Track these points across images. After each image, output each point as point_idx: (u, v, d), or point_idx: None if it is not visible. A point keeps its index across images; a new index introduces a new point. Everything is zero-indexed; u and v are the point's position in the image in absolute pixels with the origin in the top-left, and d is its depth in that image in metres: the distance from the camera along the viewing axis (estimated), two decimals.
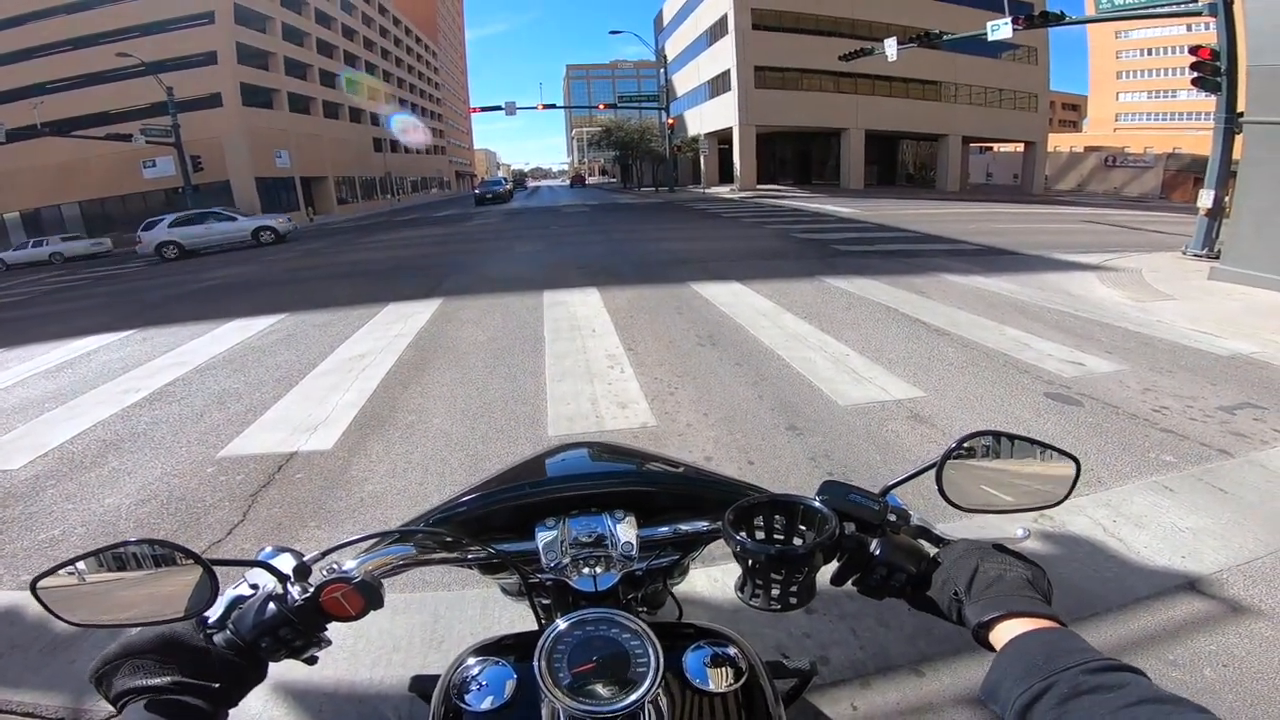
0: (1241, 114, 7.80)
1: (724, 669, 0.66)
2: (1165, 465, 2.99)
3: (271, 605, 0.62)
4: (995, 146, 42.03)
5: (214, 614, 0.63)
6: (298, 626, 0.62)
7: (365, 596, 0.64)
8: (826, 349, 4.84)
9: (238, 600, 0.65)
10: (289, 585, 0.63)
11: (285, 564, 0.64)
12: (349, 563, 0.68)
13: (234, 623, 0.62)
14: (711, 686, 0.65)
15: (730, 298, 6.74)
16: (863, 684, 1.77)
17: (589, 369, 4.57)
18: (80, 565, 0.59)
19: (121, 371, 5.33)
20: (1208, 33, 9.75)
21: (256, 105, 33.78)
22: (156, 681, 0.55)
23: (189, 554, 0.59)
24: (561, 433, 3.55)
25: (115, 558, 0.60)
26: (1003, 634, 0.55)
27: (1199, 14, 9.72)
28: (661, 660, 0.59)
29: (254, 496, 3.00)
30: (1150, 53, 62.10)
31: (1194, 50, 9.27)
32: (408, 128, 51.48)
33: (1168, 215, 18.02)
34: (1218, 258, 7.94)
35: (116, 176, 30.32)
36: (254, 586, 0.66)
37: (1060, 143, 44.96)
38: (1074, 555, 2.32)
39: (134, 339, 6.66)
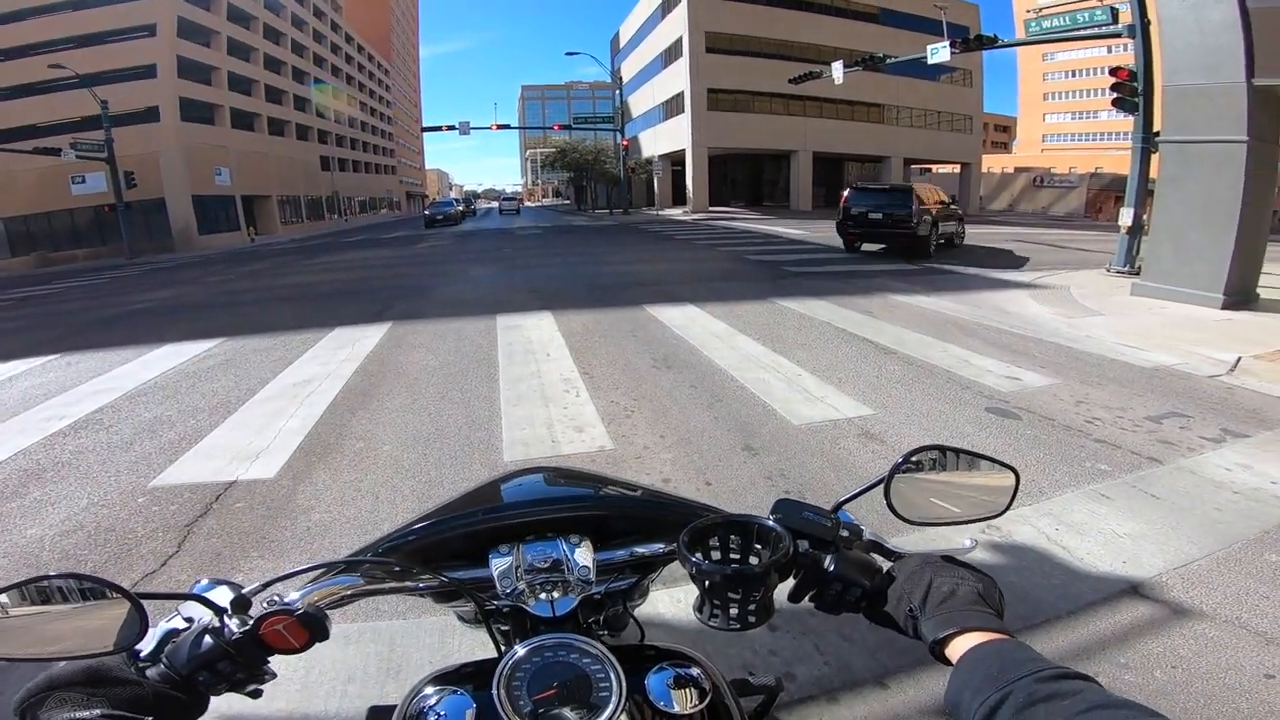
0: (1158, 134, 8.15)
1: (688, 690, 0.66)
2: (1101, 474, 3.14)
3: (208, 638, 0.60)
4: (934, 167, 43.81)
5: (146, 647, 0.60)
6: (237, 660, 0.60)
7: (309, 629, 0.62)
8: (780, 369, 4.92)
9: (171, 633, 0.62)
10: (226, 618, 0.60)
11: (222, 597, 0.62)
12: (292, 594, 0.66)
13: (168, 656, 0.60)
14: (676, 708, 0.64)
15: (685, 320, 6.80)
16: (829, 699, 1.78)
17: (544, 393, 4.51)
18: (2, 598, 0.56)
19: (44, 398, 4.99)
20: (1127, 54, 10.17)
21: (197, 121, 32.57)
22: (83, 714, 0.53)
23: (115, 588, 0.57)
24: (517, 457, 3.49)
25: (39, 590, 0.57)
26: (958, 647, 0.57)
27: (1119, 35, 10.17)
28: (624, 684, 0.59)
29: (190, 527, 2.86)
30: (1074, 74, 65.02)
31: (1114, 71, 9.74)
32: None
33: (1092, 233, 19.17)
34: (1138, 274, 8.39)
35: (43, 192, 28.61)
36: (188, 620, 0.63)
37: (992, 163, 47.29)
38: (1023, 564, 2.41)
39: (57, 364, 6.24)
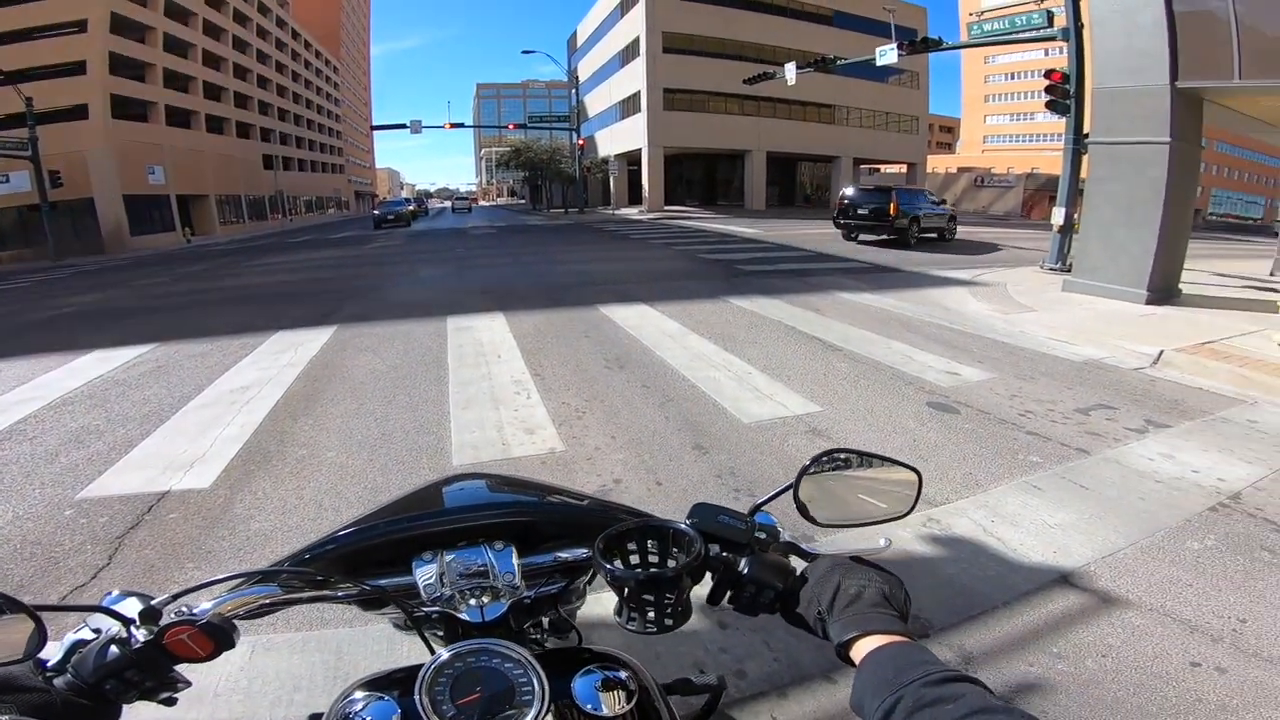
0: (1088, 135, 8.51)
1: (615, 692, 0.67)
2: (1033, 466, 3.28)
3: (113, 648, 0.61)
4: (882, 167, 44.93)
5: (53, 657, 0.62)
6: (144, 668, 0.61)
7: (214, 638, 0.63)
8: (730, 368, 4.97)
9: (79, 644, 0.63)
10: (133, 629, 0.62)
11: (130, 608, 0.63)
12: (205, 604, 0.66)
13: (74, 666, 0.61)
14: (604, 710, 0.65)
15: (638, 320, 6.81)
16: (780, 695, 1.80)
17: (494, 396, 4.45)
18: None
19: None
20: (1062, 58, 10.55)
21: (129, 118, 30.83)
22: None
23: (12, 602, 0.58)
24: (466, 461, 3.43)
25: None
26: (862, 649, 0.59)
27: (1054, 38, 10.57)
28: (547, 688, 0.60)
29: (121, 539, 2.74)
30: (1013, 76, 66.74)
31: (1048, 74, 10.11)
32: None
33: (1027, 232, 20.04)
34: (1069, 271, 8.78)
35: None
36: (96, 630, 0.64)
37: (937, 164, 48.85)
38: (959, 556, 2.48)
39: None
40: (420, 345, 6.05)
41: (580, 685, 0.66)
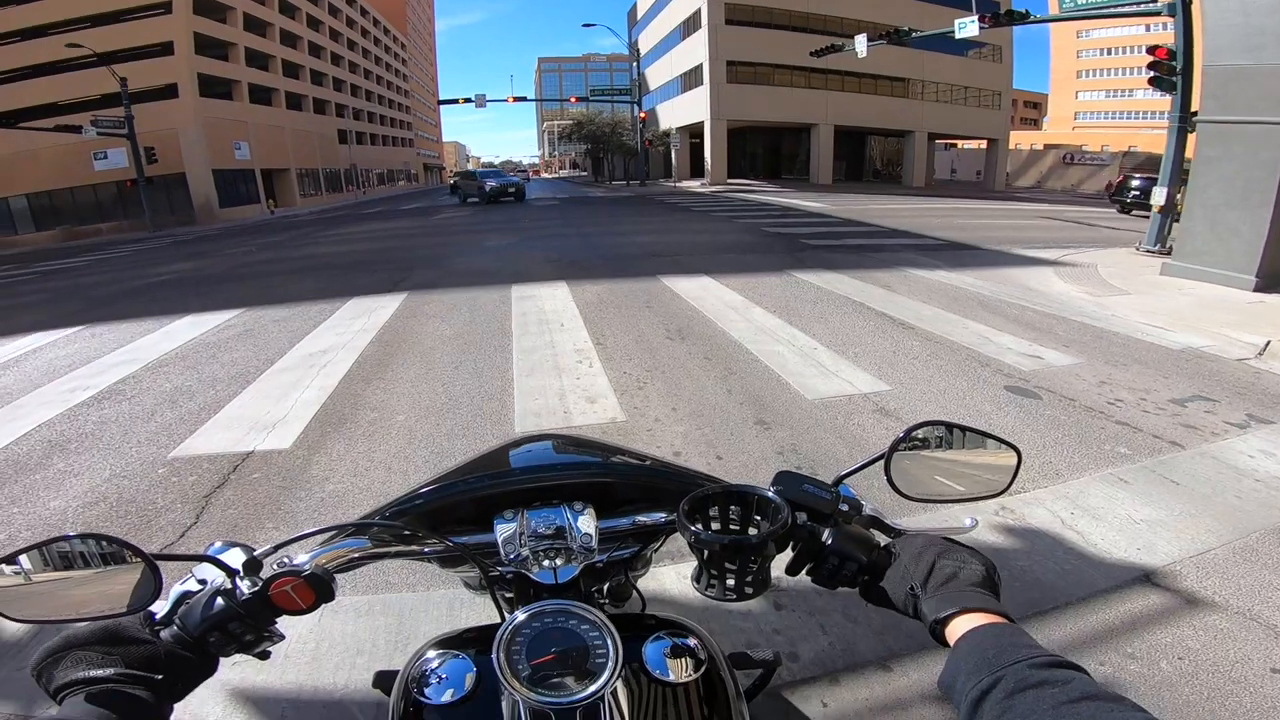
0: (1195, 113, 7.94)
1: (684, 660, 0.67)
2: (1120, 457, 3.07)
3: (219, 600, 0.61)
4: (959, 143, 42.89)
5: (161, 609, 0.62)
6: (246, 620, 0.62)
7: (316, 589, 0.63)
8: (795, 343, 4.86)
9: (185, 595, 0.64)
10: (238, 580, 0.62)
11: (234, 558, 0.63)
12: (302, 556, 0.67)
13: (181, 618, 0.61)
14: (671, 677, 0.65)
15: (700, 291, 6.73)
16: (832, 680, 1.77)
17: (557, 364, 4.51)
18: (24, 560, 0.58)
19: (67, 370, 5.08)
20: (1166, 33, 9.93)
21: (215, 96, 32.53)
22: (98, 673, 0.54)
23: (132, 548, 0.58)
24: (529, 428, 3.50)
25: (60, 554, 0.59)
26: (957, 629, 0.57)
27: (1158, 14, 9.92)
28: (621, 651, 0.60)
29: (208, 498, 2.90)
30: (1109, 52, 63.51)
31: (1152, 50, 9.43)
32: None
33: (1120, 212, 18.61)
34: (1169, 253, 8.18)
35: (66, 168, 28.82)
36: (202, 581, 0.65)
37: (1021, 140, 46.06)
38: (1034, 548, 2.36)
39: (81, 335, 6.36)
40: (485, 313, 6.19)
41: (651, 651, 0.67)
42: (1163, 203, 9.18)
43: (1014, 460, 0.73)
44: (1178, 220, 8.19)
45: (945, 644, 0.58)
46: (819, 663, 1.82)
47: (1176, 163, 9.13)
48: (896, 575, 0.65)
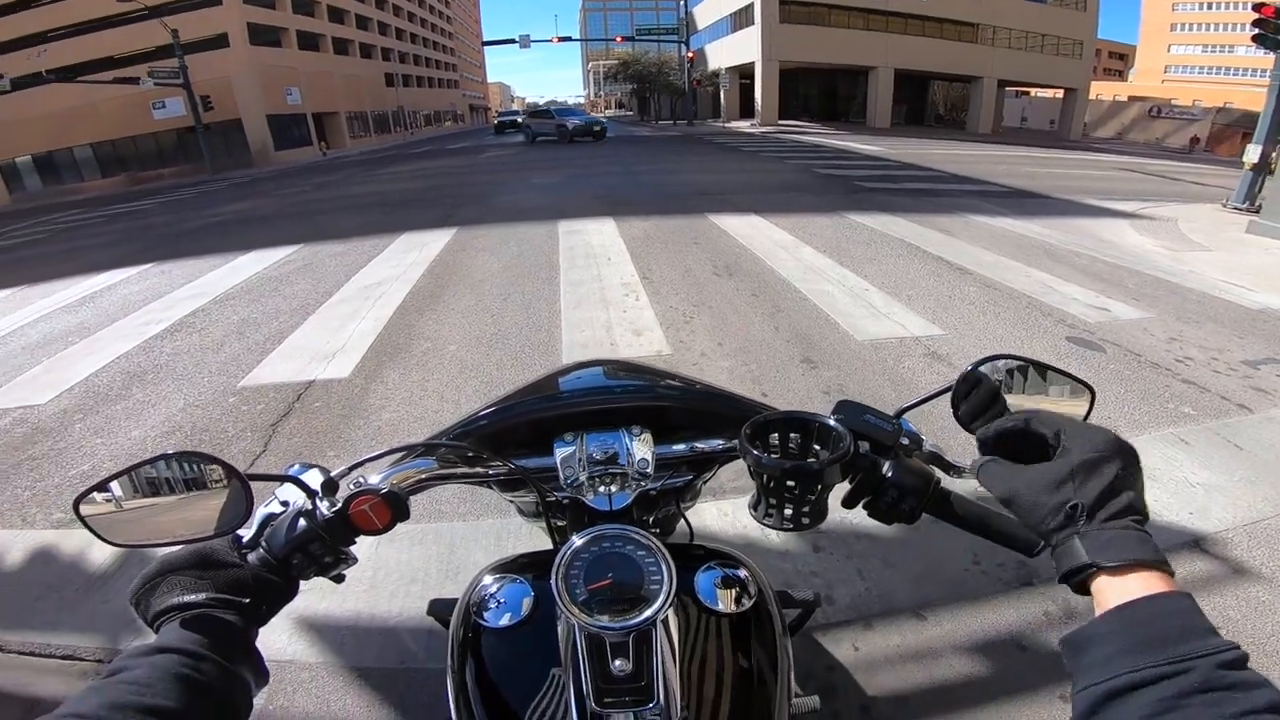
0: None
1: (733, 590, 0.68)
2: (1184, 417, 2.91)
3: (302, 521, 0.62)
4: (1032, 91, 40.22)
5: (248, 533, 0.63)
6: (327, 541, 0.62)
7: (393, 508, 0.64)
8: (845, 283, 4.75)
9: (269, 518, 0.65)
10: (318, 500, 0.62)
11: (314, 479, 0.64)
12: (374, 477, 0.68)
13: (267, 540, 0.62)
14: (721, 607, 0.66)
15: (749, 230, 6.60)
16: (865, 625, 1.77)
17: (604, 297, 4.53)
18: (116, 487, 0.59)
19: (141, 304, 5.33)
20: None
21: (265, 44, 32.77)
22: (192, 598, 0.55)
23: (226, 466, 0.60)
24: (576, 359, 3.54)
25: (148, 480, 0.60)
26: (1115, 585, 0.45)
27: None
28: (675, 578, 0.59)
29: (274, 426, 3.01)
30: (1209, 6, 59.74)
31: (1257, 7, 8.67)
32: None
33: (1210, 167, 17.24)
34: (1258, 212, 7.62)
35: (127, 118, 29.73)
36: (284, 504, 0.66)
37: (1103, 90, 42.92)
38: None
39: (152, 272, 6.66)
40: (533, 247, 6.22)
41: (702, 580, 0.68)
42: (1256, 160, 8.54)
43: (1087, 401, 0.68)
44: (1271, 176, 7.63)
45: (1081, 591, 0.48)
46: (854, 607, 1.83)
47: (1275, 121, 8.45)
48: (1046, 478, 0.51)
